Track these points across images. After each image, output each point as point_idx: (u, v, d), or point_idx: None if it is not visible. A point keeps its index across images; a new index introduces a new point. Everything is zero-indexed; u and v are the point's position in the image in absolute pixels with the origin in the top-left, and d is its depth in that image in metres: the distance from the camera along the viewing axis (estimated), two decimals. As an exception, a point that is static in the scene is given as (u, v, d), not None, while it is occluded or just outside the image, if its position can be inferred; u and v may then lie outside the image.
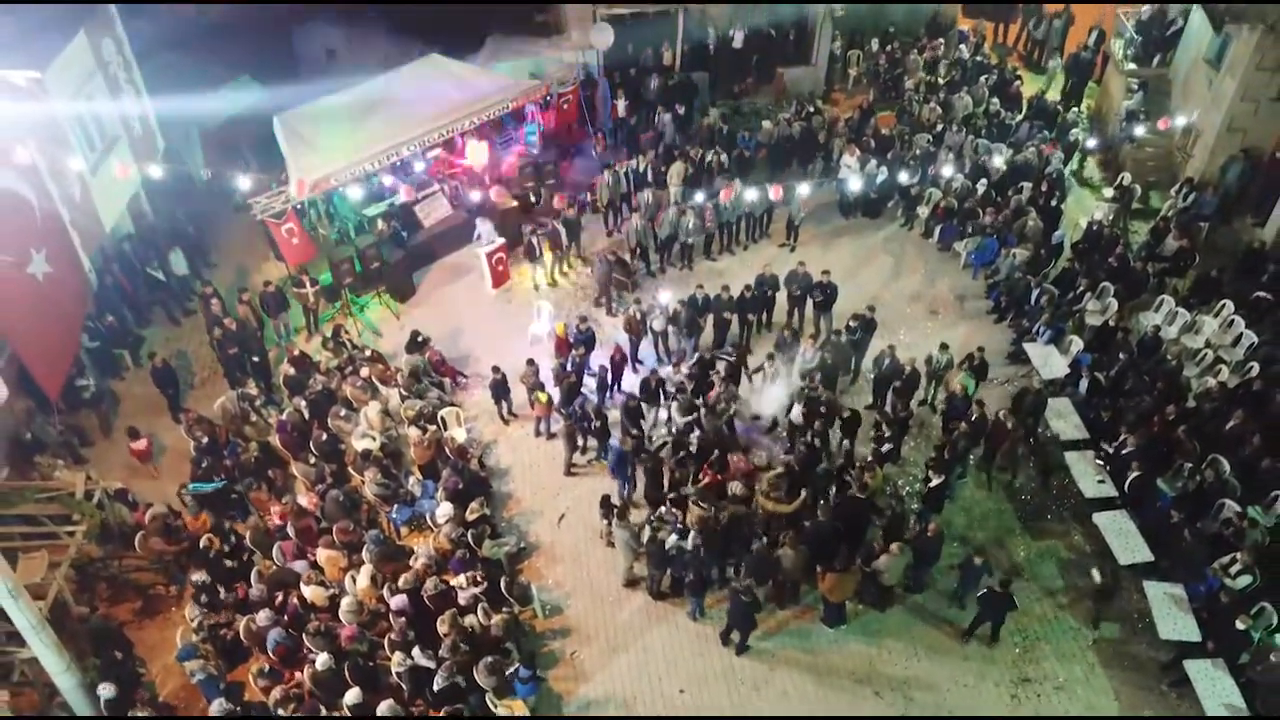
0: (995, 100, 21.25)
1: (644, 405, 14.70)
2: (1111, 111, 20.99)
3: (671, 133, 20.83)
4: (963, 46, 23.22)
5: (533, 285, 18.39)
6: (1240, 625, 11.61)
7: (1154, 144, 19.67)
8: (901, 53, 23.28)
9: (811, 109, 21.56)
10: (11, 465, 14.09)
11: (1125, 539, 13.09)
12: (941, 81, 22.40)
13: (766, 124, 20.92)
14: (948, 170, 18.31)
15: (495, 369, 15.38)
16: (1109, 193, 19.15)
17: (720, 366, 15.39)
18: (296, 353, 16.03)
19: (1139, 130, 18.49)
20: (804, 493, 13.09)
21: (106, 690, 11.28)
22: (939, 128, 20.54)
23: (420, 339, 16.33)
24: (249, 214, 16.76)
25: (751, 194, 17.64)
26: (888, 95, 22.64)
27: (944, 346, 15.24)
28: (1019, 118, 20.91)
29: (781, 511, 12.95)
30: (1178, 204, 18.48)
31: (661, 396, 14.88)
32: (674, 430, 14.40)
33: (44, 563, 12.14)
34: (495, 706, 11.36)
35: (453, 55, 20.83)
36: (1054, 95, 22.17)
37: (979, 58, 23.03)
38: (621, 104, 21.51)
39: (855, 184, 18.06)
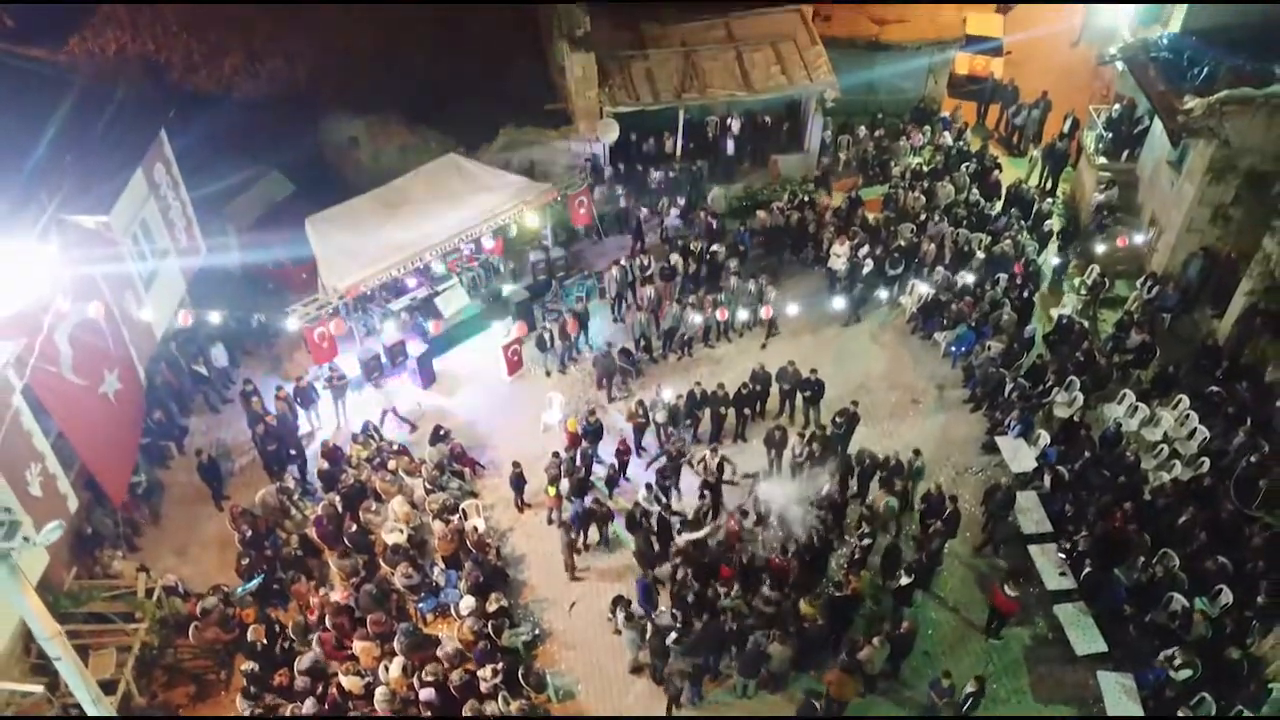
0: (975, 189, 22.67)
1: (652, 539, 15.75)
2: (1084, 201, 22.40)
3: (675, 224, 22.29)
4: (947, 133, 24.59)
5: (545, 373, 19.88)
6: (1181, 714, 13.04)
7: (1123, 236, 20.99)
8: (889, 139, 24.68)
9: (805, 198, 22.95)
10: (75, 559, 15.57)
11: (1082, 631, 14.51)
12: (926, 168, 23.69)
13: (761, 214, 22.34)
14: (923, 288, 19.88)
15: (515, 464, 16.87)
16: (1079, 283, 20.58)
17: (667, 469, 16.76)
18: (330, 446, 17.49)
19: (1100, 248, 19.87)
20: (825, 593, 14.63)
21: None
22: (922, 216, 21.89)
23: (442, 432, 17.78)
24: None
25: (743, 314, 19.38)
26: (874, 180, 23.99)
27: (917, 452, 16.53)
28: (998, 208, 22.30)
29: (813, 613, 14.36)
30: (1142, 296, 19.87)
31: (644, 522, 15.89)
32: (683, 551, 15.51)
33: (113, 659, 13.63)
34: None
35: (466, 143, 22.40)
36: (1033, 181, 23.57)
37: (961, 143, 24.39)
38: (620, 191, 22.95)
39: (840, 303, 19.72)
